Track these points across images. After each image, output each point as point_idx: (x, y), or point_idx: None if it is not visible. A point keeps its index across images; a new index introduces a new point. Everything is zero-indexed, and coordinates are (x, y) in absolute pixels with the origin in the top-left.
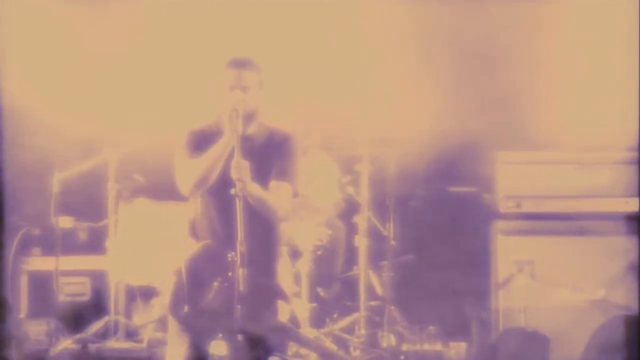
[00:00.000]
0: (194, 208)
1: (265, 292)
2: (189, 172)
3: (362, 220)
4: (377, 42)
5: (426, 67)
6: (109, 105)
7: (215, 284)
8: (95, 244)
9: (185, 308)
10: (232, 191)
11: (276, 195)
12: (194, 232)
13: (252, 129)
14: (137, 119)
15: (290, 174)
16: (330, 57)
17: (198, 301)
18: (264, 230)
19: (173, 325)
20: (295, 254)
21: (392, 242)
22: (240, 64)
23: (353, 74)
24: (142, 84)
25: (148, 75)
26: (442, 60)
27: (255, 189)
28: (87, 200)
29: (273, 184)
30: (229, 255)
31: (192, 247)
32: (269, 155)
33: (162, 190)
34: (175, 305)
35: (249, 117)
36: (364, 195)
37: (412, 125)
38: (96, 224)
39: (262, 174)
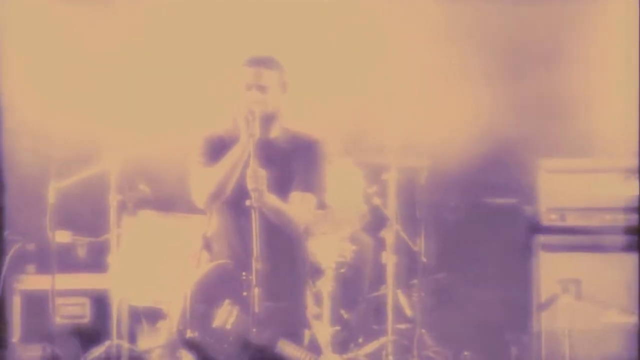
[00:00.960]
0: (208, 221)
1: (283, 315)
2: (205, 182)
3: (390, 234)
4: (408, 41)
5: (460, 68)
6: (111, 108)
7: (227, 305)
8: (95, 261)
9: (195, 333)
10: (248, 202)
11: (297, 207)
12: (209, 247)
13: (273, 133)
14: (142, 123)
15: (314, 183)
16: (355, 57)
17: (209, 325)
18: (286, 245)
19: (182, 351)
20: (316, 272)
21: (423, 259)
22: (259, 62)
23: (380, 75)
24: (148, 85)
25: (156, 76)
26: (478, 62)
27: (272, 199)
28: (86, 212)
29: (295, 195)
30: (244, 273)
31: (204, 265)
32: (293, 162)
33: (170, 201)
34: (184, 329)
35: (267, 120)
36: (392, 207)
37: (445, 130)
38: (97, 238)
39: (284, 183)
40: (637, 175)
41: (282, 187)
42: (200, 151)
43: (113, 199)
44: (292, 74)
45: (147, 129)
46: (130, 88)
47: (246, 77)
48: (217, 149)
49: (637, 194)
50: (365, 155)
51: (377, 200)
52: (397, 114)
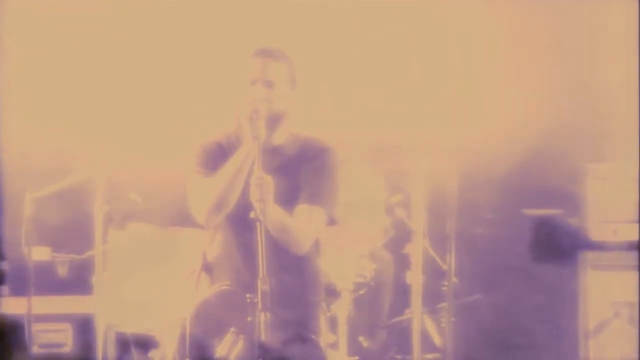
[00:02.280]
0: (208, 236)
1: (294, 344)
2: (204, 194)
3: (416, 250)
4: (434, 35)
5: (496, 64)
6: (98, 110)
7: (232, 333)
8: (78, 281)
9: None
10: (252, 214)
11: (303, 223)
12: (208, 266)
13: (279, 139)
14: (132, 125)
15: (324, 195)
16: (375, 51)
17: (210, 356)
18: (296, 264)
19: None
20: (331, 294)
21: (454, 279)
22: (266, 53)
23: (404, 70)
24: (138, 82)
25: (148, 73)
26: (517, 57)
27: (277, 212)
28: (68, 226)
29: (301, 207)
30: (248, 296)
31: (204, 287)
32: (300, 172)
33: (164, 213)
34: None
35: (274, 121)
36: (418, 220)
37: (479, 131)
38: (80, 255)
39: (292, 195)
40: None
41: (290, 199)
42: (197, 160)
43: (98, 211)
44: (302, 70)
45: (137, 132)
46: (118, 86)
47: (251, 70)
48: (217, 156)
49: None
50: (386, 160)
51: (400, 212)
52: (424, 113)
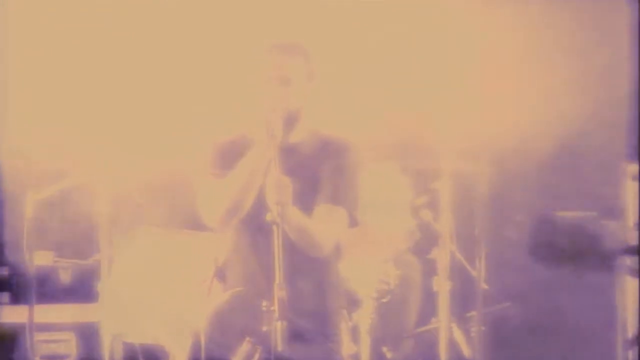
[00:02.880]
0: (221, 241)
1: (313, 354)
2: (217, 197)
3: (443, 255)
4: (466, 30)
5: (529, 57)
6: (100, 108)
7: (248, 343)
8: (82, 288)
9: None
10: (269, 217)
11: (324, 224)
12: (222, 274)
13: (297, 136)
14: (138, 122)
15: (346, 195)
16: (399, 44)
17: None
18: (315, 270)
19: None
20: (352, 302)
21: (484, 286)
22: (282, 49)
23: (430, 65)
24: (144, 80)
25: (154, 70)
26: (546, 51)
27: (295, 214)
28: (71, 230)
29: (321, 208)
30: (264, 303)
31: (217, 294)
32: (320, 171)
33: (173, 215)
34: None
35: (291, 120)
36: (445, 223)
37: (510, 129)
38: (84, 261)
39: (310, 196)
40: None
41: (307, 201)
42: (209, 160)
43: (102, 213)
44: (322, 63)
45: (141, 131)
46: (125, 84)
47: (266, 67)
48: (231, 156)
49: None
50: (412, 159)
51: (427, 215)
52: (453, 109)
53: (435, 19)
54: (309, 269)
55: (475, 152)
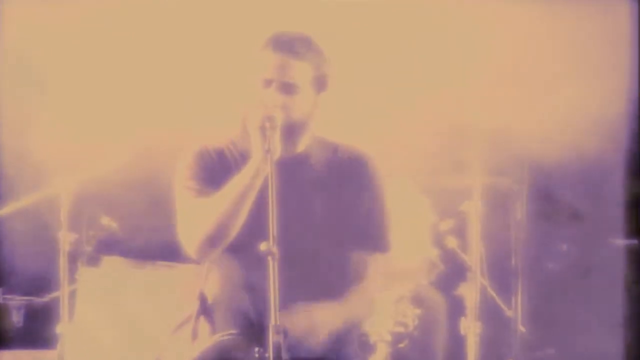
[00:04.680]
0: (205, 274)
1: None
2: (198, 219)
3: (472, 291)
4: (499, 28)
5: (574, 55)
6: (66, 111)
7: None
8: (38, 331)
9: None
10: (263, 246)
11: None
12: (208, 312)
13: (302, 147)
14: (106, 129)
15: (375, 215)
16: (422, 43)
17: None
18: (319, 309)
19: None
20: (363, 347)
21: (521, 328)
22: (285, 46)
23: (458, 67)
24: (117, 77)
25: (132, 65)
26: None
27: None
28: (25, 260)
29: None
30: (257, 349)
31: (203, 340)
32: (334, 188)
33: (148, 243)
34: None
35: (293, 131)
36: (474, 252)
37: (553, 141)
38: (40, 298)
39: (321, 220)
40: None
41: (316, 225)
42: (190, 171)
43: (64, 240)
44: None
45: (113, 138)
46: (92, 82)
47: (265, 67)
48: (217, 169)
49: None
50: (435, 176)
51: (452, 242)
52: (484, 117)
53: (453, 18)
54: (311, 308)
55: (512, 166)
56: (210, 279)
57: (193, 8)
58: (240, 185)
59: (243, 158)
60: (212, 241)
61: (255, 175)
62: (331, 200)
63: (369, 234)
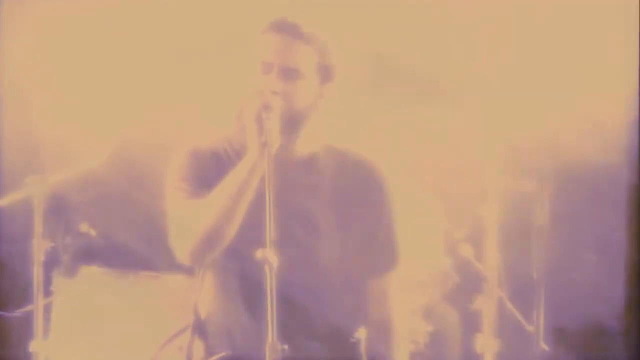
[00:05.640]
0: (198, 285)
1: None
2: (190, 222)
3: (489, 305)
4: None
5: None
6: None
7: None
8: (9, 350)
9: None
10: (259, 254)
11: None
12: (201, 329)
13: (306, 148)
14: (87, 122)
15: (382, 229)
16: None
17: None
18: (322, 326)
19: None
20: None
21: (543, 346)
22: (288, 28)
23: (471, 57)
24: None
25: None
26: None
27: None
28: None
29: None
30: None
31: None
32: (341, 195)
33: (132, 251)
34: None
35: (293, 124)
36: (491, 262)
37: (577, 135)
38: (11, 313)
39: (322, 231)
40: None
41: (318, 236)
42: (181, 173)
43: (38, 248)
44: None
45: (93, 133)
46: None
47: (265, 50)
48: (211, 169)
49: None
50: (448, 178)
51: (467, 251)
52: (502, 112)
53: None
54: (313, 324)
55: (534, 166)
56: (203, 291)
57: None
58: (235, 182)
59: (239, 157)
60: (206, 244)
61: (251, 171)
62: (336, 209)
63: (375, 249)
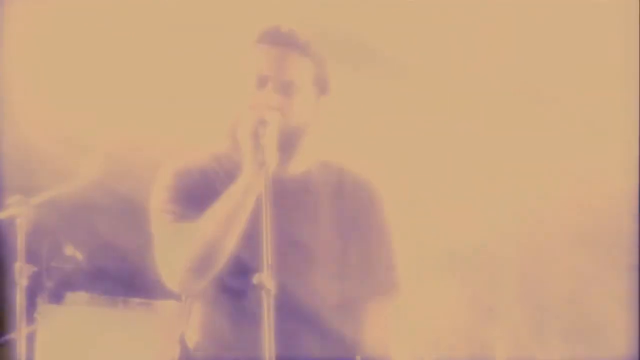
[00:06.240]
0: (187, 314)
1: None
2: (179, 246)
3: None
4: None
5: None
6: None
7: None
8: None
9: None
10: (255, 280)
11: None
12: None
13: (300, 165)
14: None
15: (381, 253)
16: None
17: None
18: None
19: None
20: None
21: None
22: (283, 39)
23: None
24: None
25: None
26: None
27: None
28: None
29: (372, 315)
30: None
31: None
32: (339, 216)
33: (120, 276)
34: None
35: (291, 142)
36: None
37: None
38: None
39: (320, 255)
40: None
41: (313, 259)
42: (168, 195)
43: (21, 273)
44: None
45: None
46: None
47: (258, 63)
48: (198, 190)
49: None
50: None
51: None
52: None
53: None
54: (310, 352)
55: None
56: (192, 319)
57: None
58: (228, 205)
59: (231, 177)
60: (197, 272)
61: (246, 191)
62: (333, 231)
63: (374, 272)
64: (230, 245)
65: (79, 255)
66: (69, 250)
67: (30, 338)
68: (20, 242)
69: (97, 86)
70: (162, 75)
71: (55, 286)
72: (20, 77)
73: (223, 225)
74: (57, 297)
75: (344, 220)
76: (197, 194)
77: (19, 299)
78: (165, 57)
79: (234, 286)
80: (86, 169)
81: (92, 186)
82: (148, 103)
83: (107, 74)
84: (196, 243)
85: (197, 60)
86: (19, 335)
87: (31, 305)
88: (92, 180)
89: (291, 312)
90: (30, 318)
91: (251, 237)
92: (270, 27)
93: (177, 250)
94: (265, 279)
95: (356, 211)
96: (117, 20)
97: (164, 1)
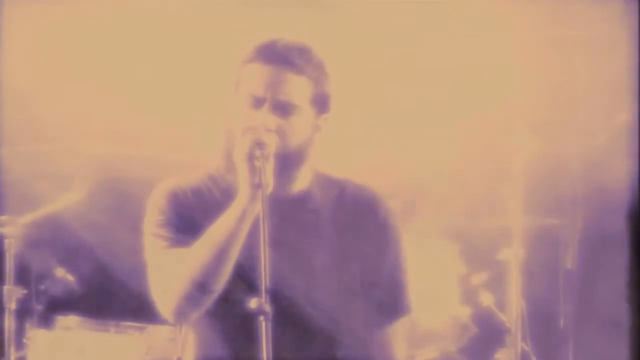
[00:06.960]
0: (181, 339)
1: None
2: (173, 274)
3: (512, 359)
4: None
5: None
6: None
7: None
8: None
9: None
10: (253, 304)
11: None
12: None
13: (300, 183)
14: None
15: (393, 271)
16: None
17: None
18: None
19: None
20: None
21: None
22: (280, 56)
23: (490, 83)
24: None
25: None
26: None
27: None
28: None
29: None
30: None
31: None
32: (342, 233)
33: (113, 301)
34: None
35: (289, 163)
36: (514, 311)
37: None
38: None
39: (330, 272)
40: None
41: (314, 281)
42: (160, 218)
43: (9, 296)
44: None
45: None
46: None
47: (254, 83)
48: (192, 212)
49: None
50: (465, 218)
51: (487, 299)
52: (522, 141)
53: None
54: None
55: (560, 202)
56: (187, 345)
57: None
58: (223, 230)
59: (226, 197)
60: (191, 300)
61: (242, 217)
62: (337, 250)
63: (383, 293)
64: (225, 272)
65: (70, 278)
66: (60, 272)
67: None
68: (9, 263)
69: (93, 96)
70: (157, 88)
71: (45, 310)
72: (20, 79)
73: (218, 251)
74: (46, 321)
75: (347, 238)
76: (191, 215)
77: (7, 323)
78: (161, 70)
79: (231, 311)
80: (79, 184)
81: (83, 205)
82: (142, 119)
83: (105, 82)
84: (190, 270)
85: (192, 77)
86: None
87: (21, 330)
88: (83, 198)
89: (292, 334)
90: (19, 343)
91: (249, 260)
92: (266, 43)
93: (171, 278)
94: (264, 303)
95: (360, 228)
96: (115, 27)
97: (159, 15)
